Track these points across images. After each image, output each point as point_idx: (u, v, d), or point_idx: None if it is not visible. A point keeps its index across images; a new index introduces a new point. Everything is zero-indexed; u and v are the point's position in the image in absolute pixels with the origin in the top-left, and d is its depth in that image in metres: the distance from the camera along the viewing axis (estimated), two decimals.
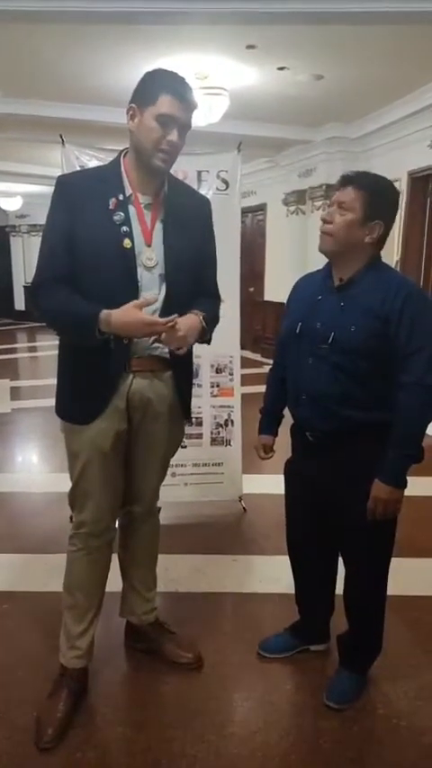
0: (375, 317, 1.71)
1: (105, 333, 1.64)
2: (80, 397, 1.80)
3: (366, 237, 1.76)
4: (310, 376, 1.84)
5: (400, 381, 1.71)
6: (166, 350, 1.79)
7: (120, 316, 1.62)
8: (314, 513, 1.99)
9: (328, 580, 2.12)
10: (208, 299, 1.89)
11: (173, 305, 1.75)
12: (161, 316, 1.76)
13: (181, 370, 1.89)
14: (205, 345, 1.96)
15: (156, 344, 1.78)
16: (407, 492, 1.78)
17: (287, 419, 2.04)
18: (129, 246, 1.70)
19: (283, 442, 2.07)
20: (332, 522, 1.93)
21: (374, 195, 1.74)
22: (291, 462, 2.06)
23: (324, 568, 2.10)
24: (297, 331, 1.89)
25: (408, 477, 1.77)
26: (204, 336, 1.85)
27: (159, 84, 1.65)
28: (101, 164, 2.34)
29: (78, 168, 2.80)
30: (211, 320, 1.86)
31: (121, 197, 1.72)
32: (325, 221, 1.79)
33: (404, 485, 1.77)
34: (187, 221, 1.80)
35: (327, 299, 1.84)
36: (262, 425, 2.15)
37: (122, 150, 1.80)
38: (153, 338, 1.73)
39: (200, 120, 5.13)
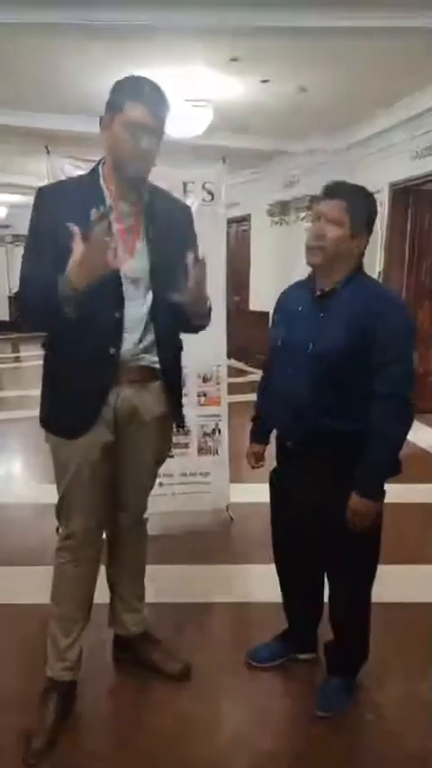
0: (354, 328, 1.72)
1: (76, 292, 1.55)
2: (68, 410, 1.78)
3: (356, 249, 1.78)
4: (291, 386, 1.84)
5: (376, 393, 1.71)
6: (156, 359, 1.79)
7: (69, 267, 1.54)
8: (298, 522, 1.98)
9: (314, 589, 2.12)
10: None
11: (159, 314, 1.75)
12: (147, 325, 1.76)
13: (170, 379, 1.89)
14: (192, 354, 1.95)
15: (143, 354, 1.78)
16: (392, 499, 1.79)
17: None
18: (112, 257, 1.69)
19: (272, 450, 2.07)
20: (316, 531, 1.93)
21: (360, 208, 1.76)
22: (275, 472, 2.07)
23: (310, 577, 2.10)
24: (279, 342, 1.90)
25: (394, 485, 1.78)
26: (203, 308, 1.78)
27: (126, 91, 1.65)
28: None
29: (64, 178, 2.80)
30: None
31: (101, 207, 1.70)
32: (317, 236, 1.77)
33: (381, 497, 1.77)
34: (169, 228, 1.80)
35: (307, 310, 1.85)
36: (253, 434, 2.15)
37: (101, 160, 1.80)
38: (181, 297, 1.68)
39: (184, 132, 5.17)
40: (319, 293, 1.84)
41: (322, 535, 1.91)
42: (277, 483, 2.05)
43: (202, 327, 1.89)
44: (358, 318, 1.72)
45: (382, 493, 1.78)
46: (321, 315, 1.80)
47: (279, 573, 2.16)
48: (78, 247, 1.51)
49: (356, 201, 1.76)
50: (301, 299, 1.90)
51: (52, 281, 1.56)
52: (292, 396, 1.84)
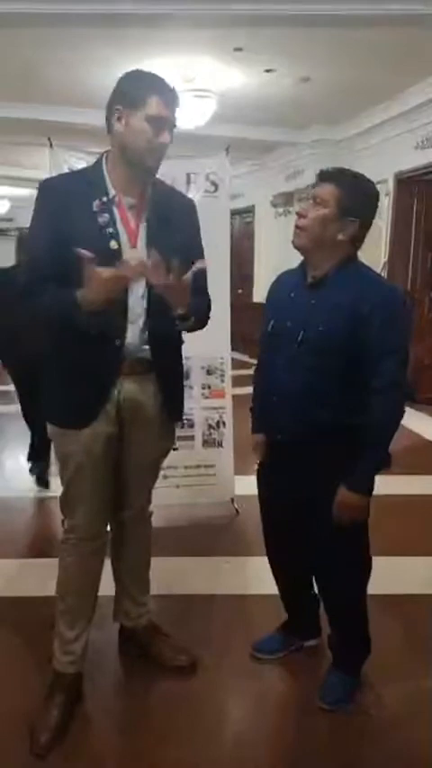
0: (345, 317, 1.69)
1: (89, 313, 1.60)
2: (72, 402, 1.78)
3: (339, 234, 1.73)
4: (281, 376, 1.82)
5: (371, 386, 1.69)
6: (149, 352, 1.78)
7: (85, 290, 1.57)
8: (287, 514, 1.96)
9: (308, 577, 2.11)
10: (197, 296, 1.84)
11: (159, 305, 1.74)
12: (147, 317, 1.75)
13: (167, 371, 1.88)
14: (196, 346, 1.94)
15: (145, 346, 1.78)
16: (398, 491, 1.78)
17: None
18: (115, 248, 1.69)
19: None
20: (304, 524, 1.91)
21: (350, 192, 1.72)
22: (262, 465, 2.04)
23: (302, 567, 2.09)
24: (269, 329, 1.87)
25: (398, 476, 1.77)
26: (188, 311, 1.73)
27: (146, 86, 1.66)
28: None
29: (67, 171, 2.79)
30: (196, 311, 1.78)
31: (104, 199, 1.71)
32: (299, 215, 1.77)
33: (370, 492, 1.76)
34: (171, 221, 1.79)
35: (299, 297, 1.82)
36: (254, 424, 2.13)
37: (104, 152, 1.80)
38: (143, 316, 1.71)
39: (187, 122, 5.14)
40: (310, 280, 1.81)
41: (310, 528, 1.88)
42: (265, 476, 2.03)
43: (197, 327, 1.85)
44: (351, 307, 1.69)
45: (372, 486, 1.76)
46: (313, 302, 1.77)
47: (272, 565, 2.15)
48: (96, 278, 1.55)
49: (347, 185, 1.73)
50: (293, 285, 1.87)
51: (63, 301, 1.61)
52: (283, 387, 1.81)
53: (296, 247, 1.81)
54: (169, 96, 1.67)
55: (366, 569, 1.93)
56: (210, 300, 1.90)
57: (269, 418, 1.93)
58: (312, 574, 2.09)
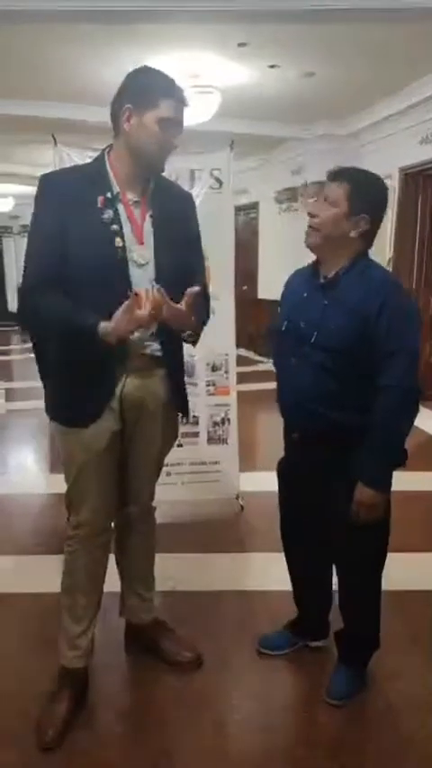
0: (356, 316, 1.70)
1: (104, 343, 1.63)
2: (76, 399, 1.79)
3: (352, 231, 1.74)
4: (294, 376, 1.83)
5: (379, 384, 1.69)
6: (157, 348, 1.79)
7: (113, 328, 1.60)
8: (305, 511, 1.98)
9: (323, 576, 2.12)
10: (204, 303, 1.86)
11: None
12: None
13: (173, 367, 1.89)
14: (201, 343, 1.95)
15: (148, 342, 1.78)
16: (402, 487, 1.78)
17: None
18: (120, 245, 1.69)
19: (281, 439, 2.07)
20: (323, 520, 1.92)
21: (359, 188, 1.74)
22: (282, 461, 2.06)
23: (319, 565, 2.10)
24: (283, 329, 1.88)
25: (405, 473, 1.77)
26: (196, 329, 1.80)
27: (158, 87, 1.66)
28: None
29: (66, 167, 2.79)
30: (202, 323, 1.82)
31: (108, 195, 1.71)
32: (311, 215, 1.78)
33: (387, 488, 1.76)
34: (174, 217, 1.80)
35: (312, 297, 1.83)
36: None
37: (106, 147, 1.79)
38: (151, 330, 1.72)
39: (191, 118, 5.13)
40: (322, 280, 1.82)
41: (329, 525, 1.90)
42: (285, 473, 2.05)
43: (192, 341, 1.89)
44: (361, 307, 1.70)
45: (389, 483, 1.77)
46: (325, 303, 1.78)
47: (288, 562, 2.17)
48: (131, 318, 1.57)
49: (357, 183, 1.74)
50: (306, 285, 1.88)
51: (77, 322, 1.63)
52: (296, 386, 1.82)
53: (309, 247, 1.82)
54: (181, 99, 1.68)
55: (383, 562, 1.94)
56: (209, 299, 1.91)
57: (284, 417, 1.94)
58: (328, 573, 2.10)
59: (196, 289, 1.62)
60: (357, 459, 1.73)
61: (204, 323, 1.86)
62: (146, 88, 1.67)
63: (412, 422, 1.75)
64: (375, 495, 1.74)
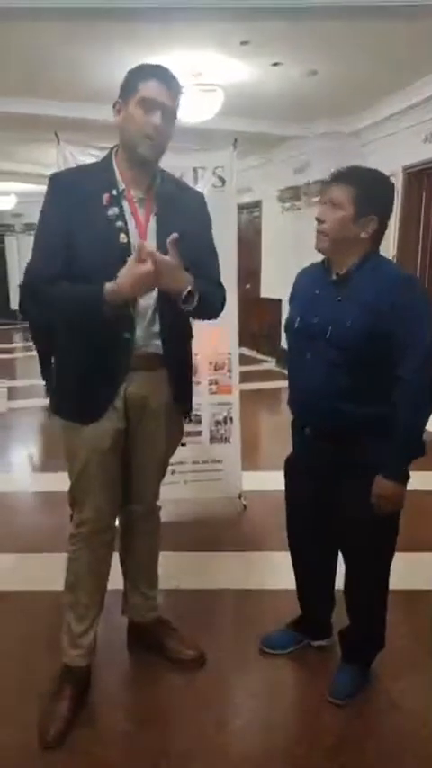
0: (370, 312, 1.70)
1: (111, 305, 1.61)
2: (81, 397, 1.79)
3: (362, 233, 1.75)
4: (308, 372, 1.83)
5: (396, 376, 1.70)
6: (159, 345, 1.79)
7: (119, 285, 1.60)
8: (314, 508, 1.99)
9: (328, 575, 2.12)
10: (208, 283, 1.82)
11: (169, 298, 1.74)
12: (156, 310, 1.75)
13: (177, 366, 1.88)
14: (204, 342, 1.94)
15: (153, 340, 1.78)
16: (413, 486, 1.78)
17: (289, 414, 2.03)
18: (125, 241, 1.70)
19: (284, 438, 2.06)
20: (332, 517, 1.93)
21: (365, 190, 1.73)
22: (291, 458, 2.06)
23: (324, 564, 2.10)
24: (296, 326, 1.88)
25: (416, 472, 1.77)
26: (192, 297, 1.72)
27: (140, 74, 1.67)
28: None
29: (75, 166, 2.79)
30: (204, 295, 1.74)
31: (114, 192, 1.72)
32: (318, 220, 1.79)
33: (406, 480, 1.77)
34: (181, 215, 1.79)
35: (324, 294, 1.84)
36: None
37: (113, 147, 1.81)
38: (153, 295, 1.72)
39: (195, 116, 5.12)
40: (334, 277, 1.82)
41: (339, 522, 1.90)
42: (293, 470, 2.04)
43: (211, 316, 1.87)
44: (374, 303, 1.70)
45: (408, 475, 1.77)
46: (338, 299, 1.78)
47: (293, 560, 2.17)
48: (137, 272, 1.58)
49: (362, 184, 1.74)
50: (317, 282, 1.88)
51: (83, 294, 1.63)
52: (311, 382, 1.83)
53: (320, 251, 1.83)
54: (163, 80, 1.66)
55: (392, 558, 1.94)
56: (224, 292, 1.90)
57: (297, 413, 1.95)
58: (333, 571, 2.10)
59: (175, 235, 1.60)
60: (371, 453, 1.74)
61: (219, 309, 1.86)
62: (129, 78, 1.68)
63: (428, 414, 1.76)
64: (395, 487, 1.74)
